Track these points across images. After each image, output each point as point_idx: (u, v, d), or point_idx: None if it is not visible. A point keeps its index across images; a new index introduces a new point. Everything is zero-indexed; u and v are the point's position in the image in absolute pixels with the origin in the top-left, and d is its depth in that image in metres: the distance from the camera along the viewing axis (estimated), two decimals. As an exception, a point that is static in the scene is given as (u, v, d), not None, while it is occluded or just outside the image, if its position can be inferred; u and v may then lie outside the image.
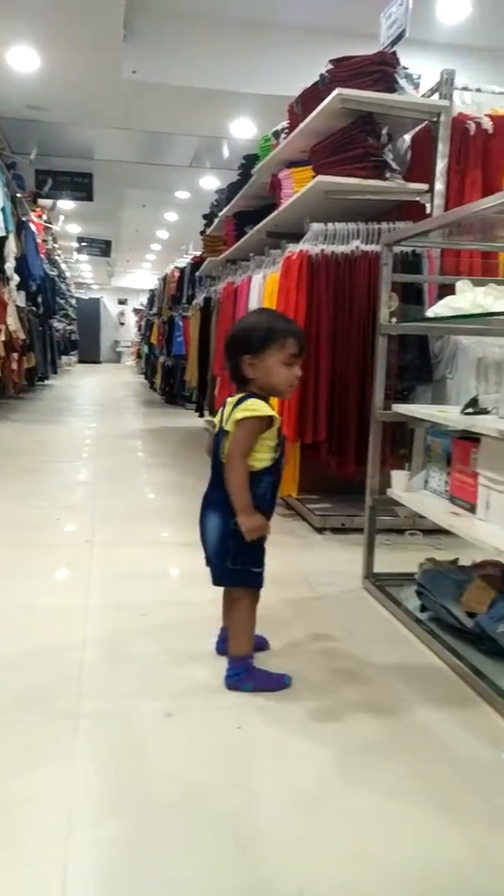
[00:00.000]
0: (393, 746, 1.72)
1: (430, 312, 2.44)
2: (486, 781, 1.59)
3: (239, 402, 1.92)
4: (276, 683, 1.97)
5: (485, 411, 2.26)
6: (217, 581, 2.01)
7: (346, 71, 3.37)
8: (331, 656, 2.20)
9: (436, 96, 3.45)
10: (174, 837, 1.39)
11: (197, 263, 8.33)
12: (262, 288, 4.04)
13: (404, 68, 3.47)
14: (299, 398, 3.40)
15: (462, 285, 2.35)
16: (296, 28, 6.00)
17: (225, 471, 1.91)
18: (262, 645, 2.19)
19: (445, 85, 3.40)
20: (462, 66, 4.65)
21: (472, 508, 2.29)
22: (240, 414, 1.90)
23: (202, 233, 7.24)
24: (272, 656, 2.17)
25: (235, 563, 1.94)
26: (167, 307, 10.79)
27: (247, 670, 1.97)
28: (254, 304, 4.21)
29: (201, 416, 7.18)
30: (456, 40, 6.06)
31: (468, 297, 2.28)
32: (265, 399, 1.94)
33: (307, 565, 3.05)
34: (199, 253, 8.26)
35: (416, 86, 3.89)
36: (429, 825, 1.45)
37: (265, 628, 2.37)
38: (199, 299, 7.37)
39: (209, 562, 2.02)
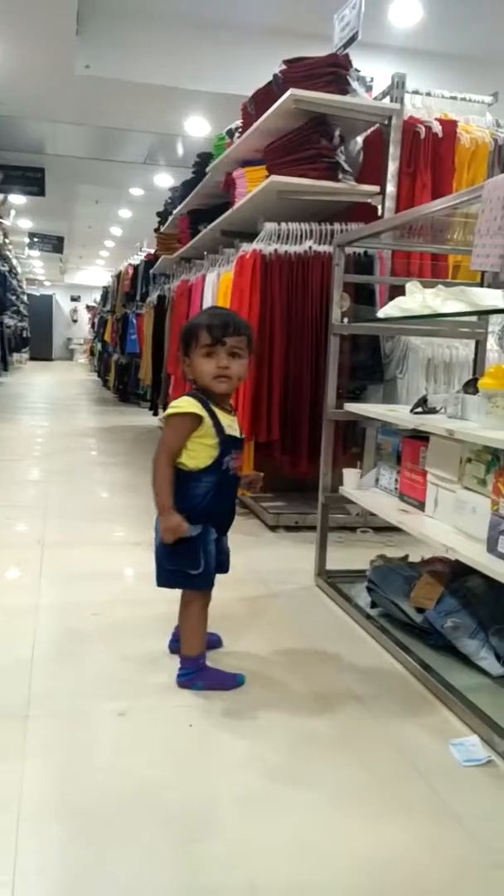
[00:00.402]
0: (343, 742, 1.75)
1: (381, 313, 2.48)
2: (433, 774, 1.62)
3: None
4: (228, 682, 1.98)
5: (433, 411, 2.30)
6: (157, 582, 1.99)
7: (300, 72, 3.39)
8: (283, 654, 2.21)
9: (387, 99, 3.50)
10: (125, 836, 1.39)
11: (151, 261, 8.29)
12: (216, 286, 4.05)
13: (357, 71, 3.51)
14: (253, 398, 3.41)
15: (412, 286, 2.38)
16: (250, 27, 6.01)
17: (154, 469, 1.90)
18: (215, 643, 2.19)
19: (396, 88, 3.45)
20: (414, 70, 4.72)
21: (420, 506, 2.33)
22: (166, 412, 1.92)
23: (156, 230, 7.20)
24: (225, 654, 2.18)
25: (171, 564, 1.94)
26: (121, 304, 10.71)
27: (198, 670, 1.98)
28: (208, 302, 4.21)
29: (155, 414, 7.15)
30: (408, 44, 6.14)
31: (417, 299, 2.32)
32: (205, 399, 1.91)
33: (261, 563, 3.07)
34: (153, 250, 8.21)
35: (369, 88, 3.93)
36: (378, 819, 1.47)
37: (219, 626, 2.37)
38: (154, 297, 7.34)
39: None
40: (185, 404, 1.90)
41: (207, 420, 1.89)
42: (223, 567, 2.03)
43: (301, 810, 1.49)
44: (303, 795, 1.54)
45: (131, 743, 1.71)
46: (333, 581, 2.77)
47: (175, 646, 2.12)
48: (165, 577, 1.97)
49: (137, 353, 8.82)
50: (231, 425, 1.94)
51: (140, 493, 4.31)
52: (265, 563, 3.07)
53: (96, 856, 1.33)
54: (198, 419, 1.88)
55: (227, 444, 1.92)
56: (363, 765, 1.65)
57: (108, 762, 1.62)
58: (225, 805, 1.49)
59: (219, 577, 2.00)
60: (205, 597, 2.02)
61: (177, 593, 2.02)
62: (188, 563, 1.92)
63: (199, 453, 1.90)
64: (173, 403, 1.93)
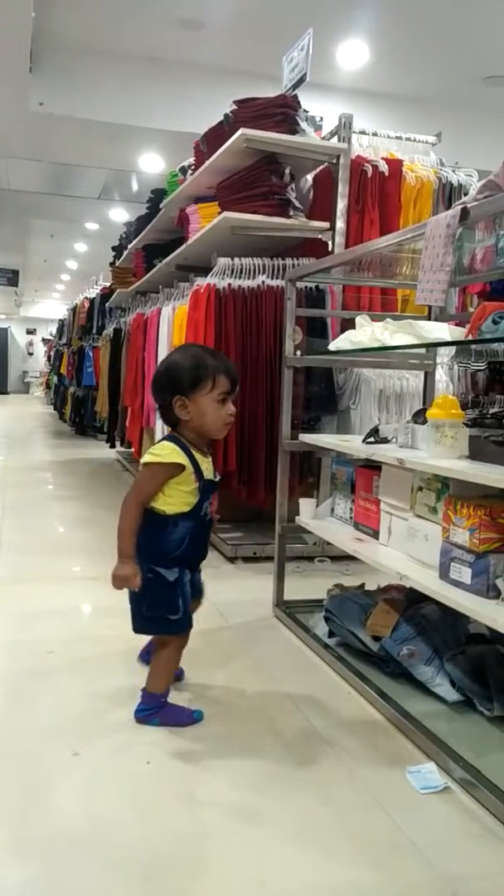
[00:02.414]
0: (301, 774, 1.75)
1: (332, 346, 2.53)
2: (391, 803, 1.62)
3: (159, 442, 1.89)
4: (185, 718, 1.95)
5: (385, 440, 2.35)
6: (134, 628, 1.95)
7: (250, 112, 3.48)
8: (240, 686, 2.21)
9: (335, 139, 3.60)
10: (81, 877, 1.36)
11: (107, 294, 8.31)
12: (171, 320, 4.08)
13: (305, 111, 3.61)
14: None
15: (361, 320, 2.44)
16: (201, 67, 6.14)
17: (122, 512, 1.84)
18: (177, 675, 2.17)
19: (344, 128, 3.56)
20: (362, 110, 4.87)
21: (375, 534, 2.36)
22: (145, 458, 1.86)
23: (112, 264, 7.24)
24: (183, 688, 2.17)
25: (150, 610, 1.90)
26: (77, 337, 10.68)
27: (158, 707, 1.95)
28: (164, 335, 4.24)
29: (112, 447, 7.12)
30: (356, 85, 6.34)
31: (367, 332, 2.38)
32: (186, 444, 1.87)
33: (219, 595, 3.05)
34: (108, 284, 8.24)
35: (319, 128, 4.05)
36: (337, 850, 1.47)
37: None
38: (109, 330, 7.35)
39: None
40: (168, 452, 1.84)
41: (189, 468, 1.86)
42: (198, 599, 2.04)
43: (259, 846, 1.48)
44: (261, 831, 1.53)
45: (87, 783, 1.68)
46: (291, 611, 2.78)
47: (146, 658, 2.08)
48: (143, 624, 1.93)
49: (94, 386, 8.79)
50: (208, 468, 1.91)
51: (97, 527, 4.27)
52: (223, 595, 3.06)
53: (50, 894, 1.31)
54: (179, 468, 1.85)
55: (206, 489, 1.90)
56: (321, 796, 1.65)
57: (63, 803, 1.60)
58: (182, 842, 1.48)
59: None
60: (182, 638, 2.00)
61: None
62: (166, 609, 1.89)
63: (176, 499, 1.87)
64: (153, 450, 1.86)
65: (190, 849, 1.46)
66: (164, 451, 1.85)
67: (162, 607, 1.89)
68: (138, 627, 1.95)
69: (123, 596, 2.86)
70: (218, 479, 1.97)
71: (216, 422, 1.87)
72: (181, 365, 1.87)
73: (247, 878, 1.38)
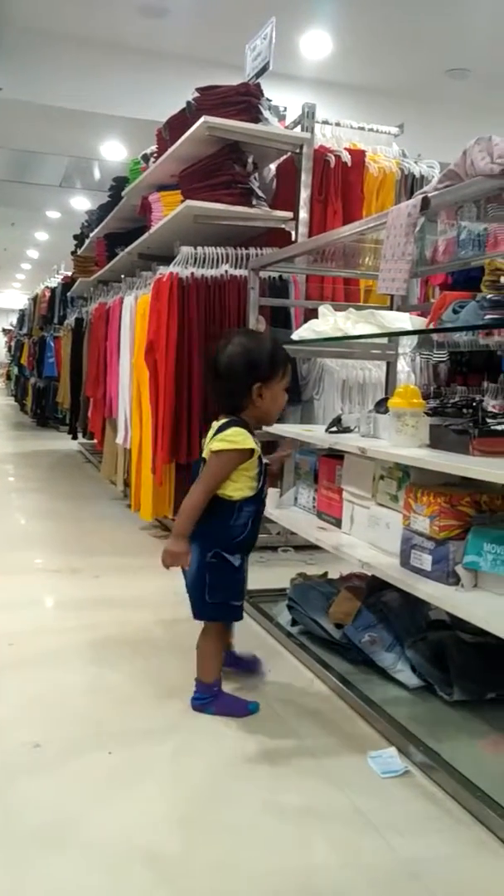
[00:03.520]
0: (264, 760, 1.75)
1: (295, 335, 2.53)
2: (353, 787, 1.64)
3: (224, 427, 1.87)
4: (240, 710, 1.95)
5: (347, 430, 2.36)
6: (196, 615, 1.95)
7: (213, 100, 3.45)
8: (204, 675, 2.20)
9: (298, 129, 3.60)
10: (45, 869, 1.35)
11: (68, 283, 8.20)
12: (133, 310, 4.04)
13: (268, 100, 3.60)
14: (173, 419, 3.42)
15: (324, 310, 2.45)
16: (165, 54, 6.08)
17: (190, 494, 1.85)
18: (255, 668, 2.17)
19: (307, 118, 3.55)
20: (325, 101, 4.87)
21: (337, 523, 2.38)
22: (217, 444, 1.84)
23: (73, 253, 7.15)
24: (146, 679, 2.16)
25: (213, 597, 1.90)
26: (38, 327, 10.54)
27: (212, 696, 1.96)
28: (126, 325, 4.20)
29: (74, 438, 7.05)
30: (320, 75, 6.34)
31: (330, 322, 2.39)
32: (248, 428, 1.90)
33: (182, 586, 3.05)
34: (70, 273, 8.13)
35: (283, 117, 4.03)
36: (300, 834, 1.48)
37: (139, 649, 2.36)
38: (71, 320, 7.26)
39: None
40: (242, 438, 1.85)
41: (258, 451, 1.89)
42: None
43: (222, 832, 1.48)
44: (225, 818, 1.53)
45: (49, 774, 1.67)
46: (255, 601, 2.78)
47: (233, 661, 2.11)
48: (208, 612, 1.94)
49: (55, 377, 8.69)
50: (261, 452, 1.95)
51: (59, 519, 4.23)
52: (187, 586, 3.05)
53: (13, 884, 1.29)
54: (250, 453, 1.87)
55: (264, 472, 1.94)
56: (284, 782, 1.66)
57: (26, 795, 1.58)
58: (148, 831, 1.48)
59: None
60: (227, 627, 2.04)
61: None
62: (231, 595, 1.92)
63: (242, 484, 1.89)
64: (227, 437, 1.85)
65: (157, 838, 1.46)
66: (238, 438, 1.85)
67: (226, 593, 1.92)
68: (201, 614, 1.96)
69: (86, 588, 2.85)
70: (268, 462, 2.01)
71: (279, 409, 1.95)
72: (260, 351, 1.90)
73: (210, 864, 1.39)
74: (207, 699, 1.96)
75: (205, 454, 1.90)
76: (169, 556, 1.84)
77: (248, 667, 2.17)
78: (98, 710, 1.98)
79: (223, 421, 1.90)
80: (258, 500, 1.94)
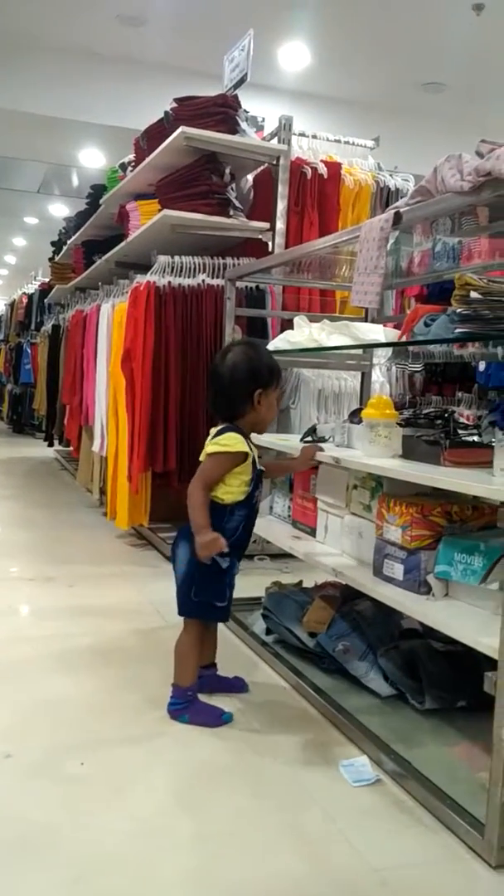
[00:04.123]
0: (237, 770, 1.76)
1: (270, 346, 2.55)
2: (325, 796, 1.65)
3: (220, 433, 1.93)
4: (213, 719, 1.96)
5: (322, 439, 2.38)
6: (180, 611, 2.00)
7: (190, 110, 3.47)
8: (178, 684, 2.20)
9: (275, 140, 3.62)
10: (11, 878, 1.35)
11: (46, 290, 8.17)
12: (110, 317, 4.04)
13: (246, 111, 3.62)
14: (149, 428, 3.42)
15: (299, 320, 2.47)
16: (143, 63, 6.10)
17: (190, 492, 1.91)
18: (241, 687, 2.16)
19: (283, 130, 3.58)
20: (303, 113, 4.93)
21: (312, 532, 2.39)
22: (212, 448, 1.92)
23: (51, 259, 7.13)
24: (120, 688, 2.16)
25: (198, 596, 1.94)
26: (15, 333, 10.48)
27: (187, 702, 1.97)
28: (103, 333, 4.20)
29: (50, 445, 7.01)
30: (298, 87, 6.39)
31: (305, 332, 2.41)
32: (247, 436, 1.96)
33: (158, 594, 3.05)
34: (47, 279, 8.10)
35: (261, 128, 4.07)
36: (272, 844, 1.49)
37: (114, 659, 2.36)
38: (48, 326, 7.23)
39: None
40: (235, 442, 1.91)
41: (252, 456, 1.95)
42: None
43: (196, 841, 1.49)
44: (198, 827, 1.54)
45: (19, 785, 1.66)
46: (230, 610, 2.78)
47: (205, 682, 2.08)
48: (190, 608, 1.98)
49: (32, 384, 8.64)
50: (257, 459, 2.00)
51: (34, 527, 4.21)
52: (162, 594, 3.04)
53: (-19, 905, 1.29)
54: (244, 457, 1.92)
55: (258, 478, 1.99)
56: (257, 792, 1.67)
57: (-4, 806, 1.57)
58: (118, 840, 1.47)
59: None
60: (207, 628, 2.06)
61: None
62: (215, 596, 1.96)
63: (234, 488, 1.94)
64: (221, 441, 1.92)
65: (123, 847, 1.46)
66: (231, 441, 1.91)
67: (211, 594, 1.95)
68: (184, 611, 1.99)
69: (61, 597, 2.85)
70: (262, 469, 2.05)
71: (273, 416, 2.03)
72: (259, 360, 1.98)
73: (181, 873, 1.39)
74: (182, 704, 1.96)
75: (201, 458, 1.97)
76: (204, 549, 1.87)
77: (231, 688, 2.16)
78: (71, 720, 1.97)
79: (220, 427, 1.98)
80: (250, 505, 1.99)
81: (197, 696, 2.00)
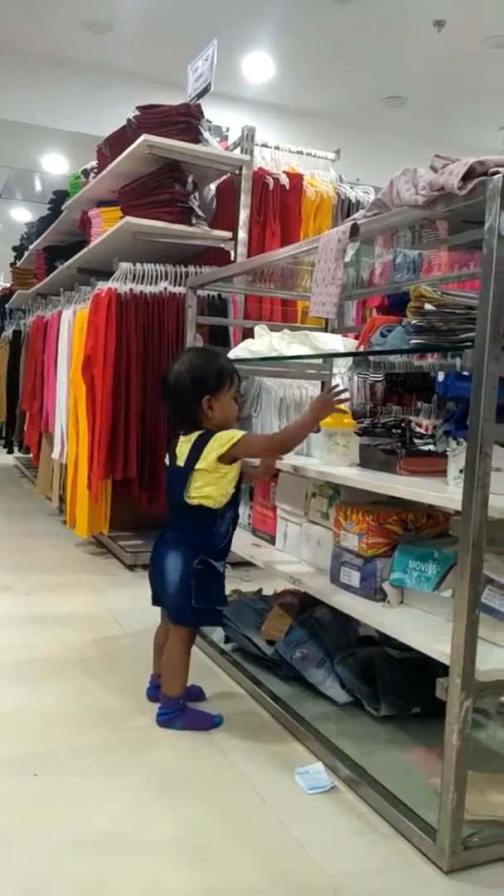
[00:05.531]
0: (193, 779, 1.75)
1: (231, 354, 2.56)
2: (280, 804, 1.65)
3: (202, 438, 1.92)
4: (206, 723, 1.97)
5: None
6: (179, 620, 1.98)
7: (153, 118, 3.48)
8: (133, 693, 2.19)
9: (238, 150, 3.65)
10: (-39, 897, 1.33)
11: (6, 295, 8.09)
12: (72, 323, 4.02)
13: (209, 121, 3.64)
14: (110, 435, 3.40)
15: (260, 330, 2.49)
16: (108, 70, 6.11)
17: (277, 447, 2.00)
18: (198, 695, 2.16)
19: (246, 140, 3.61)
20: (267, 123, 4.96)
21: (271, 540, 2.40)
22: (231, 440, 1.90)
23: (12, 265, 7.07)
24: (77, 700, 2.14)
25: (199, 602, 1.93)
26: (-25, 339, 10.34)
27: (178, 710, 1.97)
28: (64, 339, 4.17)
29: (10, 452, 6.92)
30: (262, 98, 6.45)
31: (265, 341, 2.42)
32: None
33: (117, 603, 3.03)
34: (8, 285, 8.03)
35: (225, 138, 4.09)
36: (227, 853, 1.49)
37: (72, 670, 2.34)
38: (9, 332, 7.15)
39: (158, 602, 2.04)
40: (230, 432, 1.93)
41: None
42: None
43: (151, 852, 1.48)
44: (153, 837, 1.53)
45: (-28, 797, 1.63)
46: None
47: (154, 692, 2.09)
48: (192, 617, 1.97)
49: (-8, 389, 8.52)
50: None
51: (1, 535, 4.16)
52: (121, 603, 3.03)
53: None
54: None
55: (239, 479, 2.01)
56: (212, 801, 1.66)
57: None
58: (70, 853, 1.46)
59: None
60: (195, 635, 2.07)
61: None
62: (216, 600, 1.97)
63: (222, 489, 1.94)
64: (219, 439, 1.91)
65: (78, 861, 1.44)
66: (227, 434, 1.92)
67: (212, 598, 1.96)
68: (183, 619, 1.98)
69: (17, 606, 2.82)
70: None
71: (233, 417, 2.02)
72: (203, 366, 1.97)
73: (134, 884, 1.38)
74: (173, 714, 1.97)
75: (180, 462, 1.95)
76: (326, 405, 1.93)
77: (188, 696, 2.15)
78: (26, 732, 1.94)
79: (197, 434, 1.95)
80: (235, 504, 2.02)
81: (187, 705, 2.00)
